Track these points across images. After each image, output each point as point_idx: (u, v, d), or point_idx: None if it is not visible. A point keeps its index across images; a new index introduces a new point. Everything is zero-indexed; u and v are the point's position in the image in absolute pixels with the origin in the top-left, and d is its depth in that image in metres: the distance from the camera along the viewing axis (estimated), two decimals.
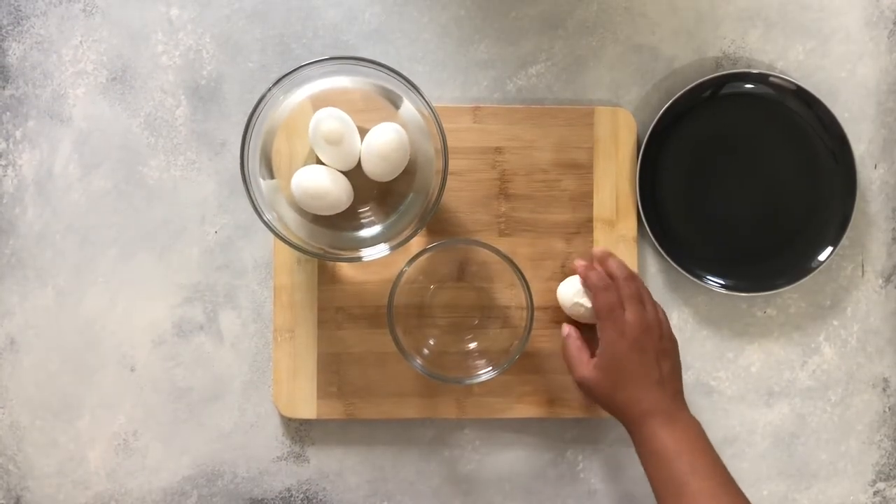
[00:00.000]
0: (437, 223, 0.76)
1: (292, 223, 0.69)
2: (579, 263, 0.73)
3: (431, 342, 0.75)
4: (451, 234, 0.76)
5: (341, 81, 0.69)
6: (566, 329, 0.74)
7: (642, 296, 0.70)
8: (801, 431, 0.79)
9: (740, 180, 0.77)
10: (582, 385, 0.71)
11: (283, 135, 0.69)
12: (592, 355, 0.71)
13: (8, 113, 0.76)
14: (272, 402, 0.77)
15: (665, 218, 0.77)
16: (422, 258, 0.70)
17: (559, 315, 0.76)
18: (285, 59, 0.77)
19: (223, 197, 0.77)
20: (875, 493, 0.79)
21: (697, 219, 0.77)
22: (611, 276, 0.71)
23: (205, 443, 0.77)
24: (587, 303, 0.72)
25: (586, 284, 0.72)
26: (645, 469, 0.67)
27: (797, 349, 0.79)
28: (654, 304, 0.71)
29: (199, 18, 0.77)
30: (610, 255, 0.73)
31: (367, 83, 0.69)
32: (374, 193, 0.70)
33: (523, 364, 0.76)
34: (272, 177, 0.69)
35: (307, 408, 0.76)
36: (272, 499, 0.78)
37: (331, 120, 0.66)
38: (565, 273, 0.76)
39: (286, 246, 0.66)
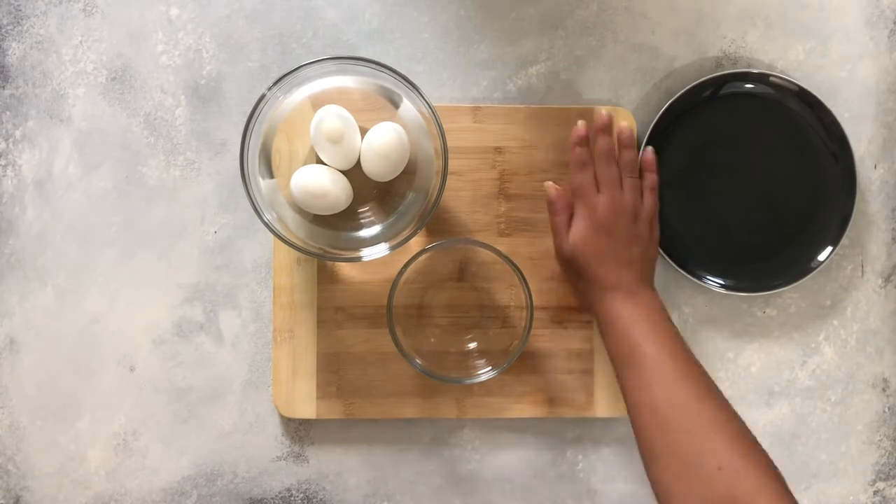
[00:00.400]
0: (436, 223, 0.76)
1: (292, 223, 0.69)
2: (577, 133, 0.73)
3: (431, 342, 0.75)
4: (451, 234, 0.76)
5: (341, 81, 0.69)
6: (552, 192, 0.73)
7: (621, 180, 0.72)
8: (801, 431, 0.79)
9: (740, 180, 0.77)
10: (557, 258, 0.73)
11: (282, 134, 0.69)
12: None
13: (8, 113, 0.76)
14: (272, 402, 0.77)
15: (665, 218, 0.77)
16: (422, 258, 0.70)
17: (559, 315, 0.76)
18: (285, 59, 0.77)
19: (223, 197, 0.77)
20: (875, 493, 0.79)
21: (697, 219, 0.77)
22: (603, 151, 0.72)
23: (205, 443, 0.77)
24: None
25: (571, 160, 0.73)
26: (604, 342, 0.69)
27: (797, 349, 0.79)
28: (641, 191, 0.73)
29: (199, 18, 0.77)
30: (602, 130, 0.73)
31: (366, 83, 0.69)
32: (374, 193, 0.70)
33: (523, 364, 0.76)
34: (272, 176, 0.69)
35: (307, 408, 0.76)
36: (272, 499, 0.78)
37: (333, 118, 0.66)
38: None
39: (286, 246, 0.66)
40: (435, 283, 0.76)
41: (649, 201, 0.73)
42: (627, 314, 0.67)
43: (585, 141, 0.72)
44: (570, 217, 0.72)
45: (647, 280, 0.71)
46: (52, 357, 0.77)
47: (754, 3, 0.78)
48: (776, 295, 0.79)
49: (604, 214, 0.70)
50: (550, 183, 0.74)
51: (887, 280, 0.79)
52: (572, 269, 0.72)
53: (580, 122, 0.73)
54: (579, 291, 0.73)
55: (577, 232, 0.70)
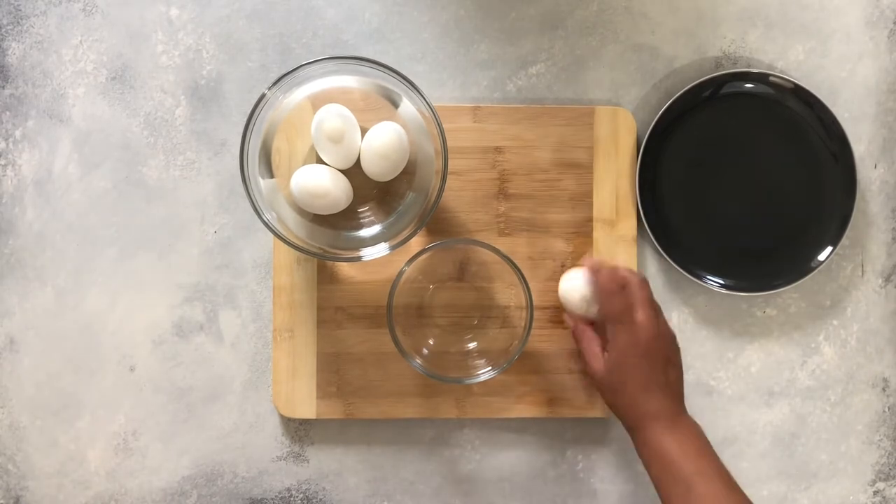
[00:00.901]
0: (436, 223, 0.76)
1: (292, 223, 0.69)
2: (588, 259, 0.73)
3: (431, 342, 0.75)
4: (451, 234, 0.76)
5: (341, 81, 0.69)
6: (569, 322, 0.74)
7: (655, 303, 0.70)
8: (801, 431, 0.79)
9: (740, 180, 0.77)
10: (591, 378, 0.72)
11: (282, 134, 0.69)
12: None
13: (8, 113, 0.76)
14: (272, 402, 0.77)
15: (665, 218, 0.77)
16: (421, 258, 0.70)
17: (559, 315, 0.76)
18: (285, 59, 0.77)
19: (223, 197, 0.77)
20: (875, 493, 0.79)
21: (697, 219, 0.77)
22: (622, 279, 0.70)
23: (205, 443, 0.77)
24: (593, 301, 0.72)
25: (595, 284, 0.71)
26: (649, 471, 0.67)
27: (797, 349, 0.79)
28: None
29: (199, 18, 0.77)
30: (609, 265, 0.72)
31: (366, 83, 0.69)
32: (374, 193, 0.70)
33: (523, 364, 0.76)
34: (272, 176, 0.69)
35: (307, 408, 0.75)
36: (272, 499, 0.77)
37: (334, 118, 0.66)
38: (566, 272, 0.76)
39: (286, 246, 0.66)
40: (435, 283, 0.76)
41: (667, 324, 0.72)
42: (677, 447, 0.66)
43: (599, 266, 0.71)
44: (599, 340, 0.71)
45: (683, 404, 0.70)
46: (52, 357, 0.77)
47: (754, 3, 0.78)
48: (776, 295, 0.79)
49: (646, 338, 0.68)
50: (589, 258, 0.75)
51: (887, 280, 0.79)
52: (610, 392, 0.70)
53: (586, 257, 0.75)
54: (618, 414, 0.71)
55: (618, 356, 0.69)
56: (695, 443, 0.67)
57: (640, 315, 0.68)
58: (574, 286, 0.72)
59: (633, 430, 0.69)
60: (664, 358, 0.69)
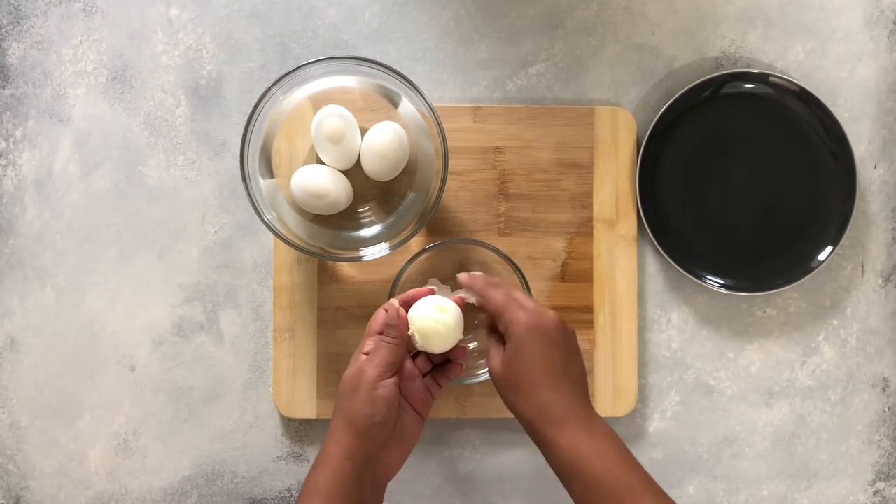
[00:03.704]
0: (437, 223, 0.76)
1: (292, 223, 0.69)
2: (463, 275, 0.67)
3: None
4: (451, 234, 0.76)
5: (341, 81, 0.69)
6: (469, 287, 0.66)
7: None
8: (801, 431, 0.79)
9: (740, 180, 0.77)
10: (490, 372, 0.64)
11: (283, 134, 0.69)
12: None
13: (8, 113, 0.76)
14: (272, 401, 0.77)
15: (665, 218, 0.77)
16: (422, 258, 0.70)
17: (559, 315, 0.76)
18: (285, 59, 0.77)
19: (223, 197, 0.77)
20: (875, 493, 0.79)
21: (697, 219, 0.77)
22: (493, 279, 0.66)
23: (205, 443, 0.77)
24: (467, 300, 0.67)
25: (474, 288, 0.65)
26: (566, 485, 0.60)
27: (797, 349, 0.79)
28: None
29: (199, 18, 0.77)
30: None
31: (366, 83, 0.69)
32: (374, 193, 0.70)
33: None
34: (272, 176, 0.69)
35: (307, 407, 0.76)
36: (272, 499, 0.77)
37: (334, 118, 0.66)
38: (565, 273, 0.76)
39: (286, 246, 0.66)
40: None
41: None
42: (598, 458, 0.58)
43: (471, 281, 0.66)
44: (495, 330, 0.64)
45: (591, 405, 0.62)
46: (52, 357, 0.77)
47: (754, 3, 0.78)
48: (776, 295, 0.79)
49: (545, 321, 0.61)
50: (462, 294, 0.66)
51: (887, 280, 0.79)
52: (510, 388, 0.61)
53: (461, 274, 0.67)
54: (520, 415, 0.61)
55: (517, 343, 0.60)
56: (615, 451, 0.59)
57: (530, 302, 0.63)
58: (429, 304, 0.65)
59: (540, 434, 0.60)
60: (567, 348, 0.62)
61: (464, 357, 0.68)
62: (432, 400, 0.67)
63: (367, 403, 0.61)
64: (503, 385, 0.62)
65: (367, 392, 0.61)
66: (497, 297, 0.63)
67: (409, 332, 0.64)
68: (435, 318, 0.63)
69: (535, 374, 0.60)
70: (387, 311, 0.64)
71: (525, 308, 0.62)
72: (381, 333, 0.64)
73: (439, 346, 0.64)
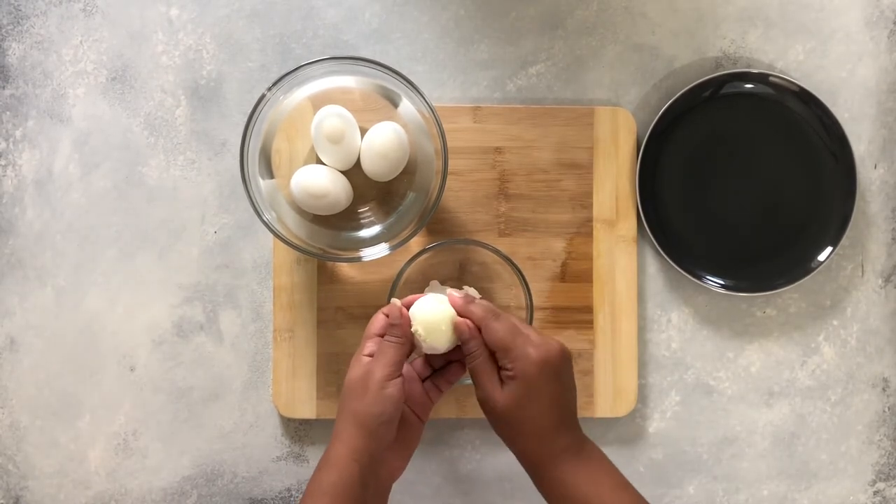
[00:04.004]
0: (436, 223, 0.76)
1: (292, 223, 0.69)
2: (452, 293, 0.65)
3: None
4: (451, 234, 0.76)
5: (341, 81, 0.69)
6: (465, 329, 0.63)
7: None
8: (801, 431, 0.79)
9: (740, 180, 0.77)
10: (486, 409, 0.62)
11: (283, 134, 0.69)
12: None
13: (8, 113, 0.76)
14: (272, 401, 0.77)
15: (665, 218, 0.77)
16: (422, 258, 0.70)
17: (559, 315, 0.76)
18: (285, 59, 0.77)
19: (223, 197, 0.77)
20: (875, 493, 0.79)
21: (697, 219, 0.77)
22: (490, 308, 0.64)
23: (205, 443, 0.77)
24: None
25: (468, 314, 0.63)
26: None
27: (797, 349, 0.79)
28: None
29: (199, 18, 0.77)
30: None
31: (366, 83, 0.69)
32: (374, 193, 0.70)
33: None
34: (272, 176, 0.69)
35: (307, 408, 0.76)
36: (272, 499, 0.78)
37: (334, 118, 0.66)
38: (565, 273, 0.76)
39: (286, 246, 0.66)
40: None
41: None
42: (593, 486, 0.59)
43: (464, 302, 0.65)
44: (493, 360, 0.62)
45: (579, 427, 0.62)
46: (52, 357, 0.77)
47: (754, 3, 0.78)
48: (776, 295, 0.79)
49: (553, 357, 0.60)
50: (460, 320, 0.63)
51: (887, 280, 0.79)
52: (511, 427, 0.61)
53: (450, 291, 0.66)
54: (518, 450, 0.62)
55: (523, 384, 0.59)
56: (607, 473, 0.61)
57: (534, 333, 0.61)
58: (435, 306, 0.64)
59: (541, 469, 0.61)
60: (569, 377, 0.62)
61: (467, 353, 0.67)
62: (432, 404, 0.67)
63: (376, 403, 0.60)
64: (506, 421, 0.61)
65: (377, 392, 0.61)
66: (500, 330, 0.61)
67: (413, 329, 0.63)
68: (437, 310, 0.63)
69: (544, 414, 0.60)
70: (387, 314, 0.64)
71: (532, 342, 0.60)
72: (382, 335, 0.64)
73: (443, 340, 0.63)
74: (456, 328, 0.63)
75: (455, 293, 0.65)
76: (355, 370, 0.62)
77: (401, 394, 0.61)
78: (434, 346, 0.64)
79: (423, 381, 0.67)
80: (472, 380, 0.63)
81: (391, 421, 0.61)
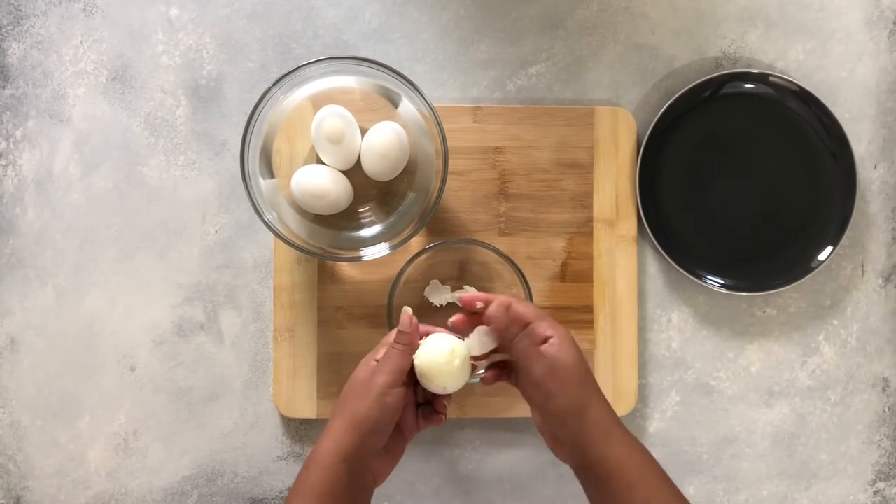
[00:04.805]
0: (437, 223, 0.76)
1: (292, 223, 0.69)
2: (469, 296, 0.65)
3: None
4: (451, 234, 0.76)
5: (341, 81, 0.69)
6: (514, 330, 0.62)
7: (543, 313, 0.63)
8: (801, 431, 0.79)
9: (740, 180, 0.77)
10: (561, 369, 0.61)
11: (283, 134, 0.69)
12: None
13: (8, 113, 0.76)
14: (272, 401, 0.77)
15: (665, 218, 0.77)
16: (422, 258, 0.70)
17: (559, 315, 0.76)
18: (285, 59, 0.77)
19: (223, 197, 0.77)
20: (875, 493, 0.79)
21: (697, 219, 0.77)
22: (503, 303, 0.64)
23: (205, 443, 0.77)
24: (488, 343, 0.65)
25: (500, 310, 0.63)
26: (601, 494, 0.61)
27: (797, 349, 0.79)
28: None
29: (199, 18, 0.77)
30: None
31: (366, 83, 0.69)
32: (374, 193, 0.70)
33: None
34: (272, 176, 0.69)
35: (307, 407, 0.76)
36: (272, 498, 0.78)
37: (334, 118, 0.66)
38: (565, 273, 0.76)
39: (286, 246, 0.66)
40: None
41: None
42: (635, 461, 0.60)
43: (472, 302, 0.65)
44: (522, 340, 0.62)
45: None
46: (52, 357, 0.77)
47: (754, 3, 0.78)
48: (776, 295, 0.79)
49: (575, 353, 0.61)
50: (484, 328, 0.64)
51: (887, 280, 0.79)
52: (584, 385, 0.61)
53: (463, 293, 0.67)
54: (561, 437, 0.62)
55: (567, 334, 0.61)
56: (642, 452, 0.61)
57: (550, 332, 0.61)
58: (445, 347, 0.63)
59: (607, 433, 0.61)
60: (591, 375, 0.62)
61: (445, 410, 0.66)
62: (417, 430, 0.66)
63: (375, 408, 0.61)
64: (581, 378, 0.60)
65: (378, 397, 0.61)
66: (524, 305, 0.62)
67: (419, 373, 0.63)
68: (442, 360, 0.63)
69: (591, 387, 0.61)
70: (401, 319, 0.64)
71: (555, 324, 0.62)
72: (396, 339, 0.64)
73: (437, 387, 0.63)
74: (491, 324, 0.63)
75: (465, 291, 0.65)
76: (362, 371, 0.63)
77: (400, 404, 0.62)
78: (426, 386, 0.63)
79: (418, 406, 0.67)
80: (525, 365, 0.61)
81: (385, 429, 0.62)
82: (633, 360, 0.76)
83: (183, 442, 0.77)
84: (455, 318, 0.66)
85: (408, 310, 0.64)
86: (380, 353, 0.63)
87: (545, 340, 0.61)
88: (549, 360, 0.60)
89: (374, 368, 0.62)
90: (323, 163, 0.69)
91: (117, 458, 0.77)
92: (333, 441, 0.61)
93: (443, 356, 0.63)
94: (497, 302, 0.63)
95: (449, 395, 0.65)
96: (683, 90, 0.75)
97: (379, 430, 0.61)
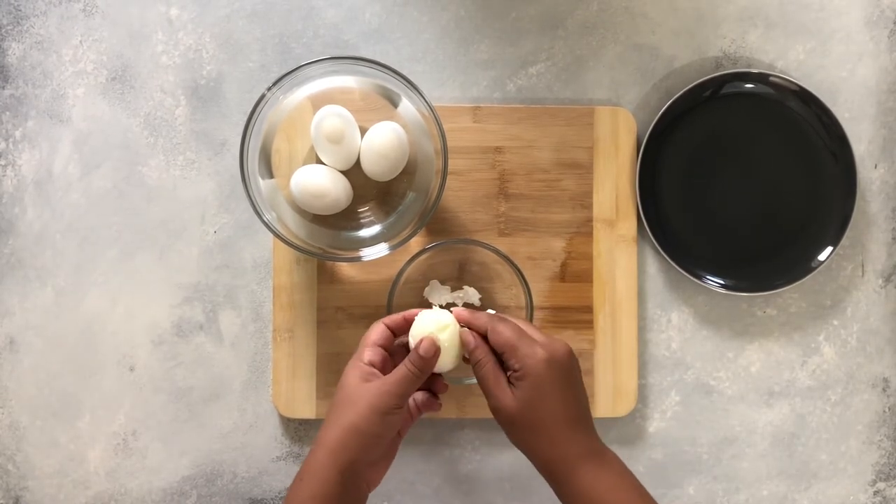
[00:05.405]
0: (436, 223, 0.76)
1: (292, 223, 0.69)
2: (460, 310, 0.65)
3: None
4: (451, 234, 0.76)
5: (341, 81, 0.69)
6: (469, 339, 0.62)
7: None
8: (801, 431, 0.79)
9: (740, 180, 0.77)
10: (497, 415, 0.61)
11: (282, 134, 0.69)
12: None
13: (8, 113, 0.76)
14: (272, 401, 0.77)
15: (665, 218, 0.77)
16: (421, 258, 0.70)
17: (559, 315, 0.76)
18: (285, 59, 0.77)
19: (223, 197, 0.77)
20: (875, 493, 0.79)
21: (697, 219, 0.77)
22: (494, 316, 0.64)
23: (205, 443, 0.77)
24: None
25: (474, 325, 0.63)
26: None
27: (797, 349, 0.79)
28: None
29: (199, 18, 0.77)
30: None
31: (366, 83, 0.69)
32: (374, 193, 0.70)
33: None
34: (272, 176, 0.69)
35: (307, 408, 0.75)
36: (272, 499, 0.77)
37: (333, 118, 0.66)
38: (565, 273, 0.76)
39: (286, 246, 0.66)
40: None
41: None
42: (614, 491, 0.58)
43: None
44: (501, 367, 0.61)
45: (595, 430, 0.62)
46: (52, 357, 0.77)
47: (754, 3, 0.78)
48: (776, 295, 0.79)
49: (561, 356, 0.59)
50: (465, 330, 0.63)
51: (887, 280, 0.79)
52: (525, 430, 0.59)
53: (461, 309, 0.65)
54: (535, 456, 0.60)
55: (533, 384, 0.58)
56: (631, 485, 0.60)
57: (539, 333, 0.61)
58: (435, 318, 0.63)
59: (559, 475, 0.59)
60: (579, 379, 0.61)
61: (445, 392, 0.66)
62: (412, 422, 0.66)
63: (379, 425, 0.60)
64: (519, 426, 0.59)
65: (381, 416, 0.59)
66: (505, 331, 0.60)
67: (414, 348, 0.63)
68: (434, 337, 0.62)
69: (557, 414, 0.59)
70: (389, 325, 0.64)
71: (538, 341, 0.60)
72: (382, 346, 0.63)
73: (448, 359, 0.63)
74: (461, 338, 0.63)
75: (458, 309, 0.65)
76: (351, 376, 0.62)
77: (398, 424, 0.62)
78: (440, 366, 0.63)
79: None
80: (483, 390, 0.61)
81: (385, 443, 0.62)
82: (632, 360, 0.76)
83: (182, 442, 0.77)
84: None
85: (435, 339, 0.62)
86: (364, 354, 0.62)
87: (516, 371, 0.60)
88: (516, 402, 0.59)
89: (388, 388, 0.60)
90: (322, 163, 0.69)
91: (117, 459, 0.77)
92: (329, 452, 0.60)
93: (436, 332, 0.62)
94: (478, 323, 0.62)
95: (445, 385, 0.66)
96: (683, 90, 0.75)
97: (379, 444, 0.61)
